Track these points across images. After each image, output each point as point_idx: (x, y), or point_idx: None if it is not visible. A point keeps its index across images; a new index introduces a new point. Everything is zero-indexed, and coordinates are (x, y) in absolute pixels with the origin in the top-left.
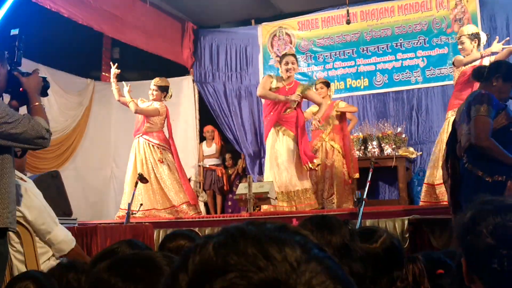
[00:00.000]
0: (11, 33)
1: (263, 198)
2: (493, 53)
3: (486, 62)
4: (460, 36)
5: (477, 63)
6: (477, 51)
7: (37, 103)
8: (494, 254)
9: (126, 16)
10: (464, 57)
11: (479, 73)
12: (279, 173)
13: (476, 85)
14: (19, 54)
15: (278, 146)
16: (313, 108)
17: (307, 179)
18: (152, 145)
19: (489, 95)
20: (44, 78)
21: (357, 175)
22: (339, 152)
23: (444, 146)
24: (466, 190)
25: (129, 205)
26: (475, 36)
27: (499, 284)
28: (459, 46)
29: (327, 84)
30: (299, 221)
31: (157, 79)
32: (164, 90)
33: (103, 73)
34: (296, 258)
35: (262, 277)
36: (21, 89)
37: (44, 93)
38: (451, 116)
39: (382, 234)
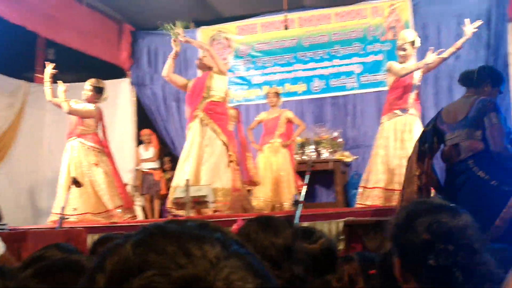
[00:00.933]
0: None
1: (201, 202)
2: (426, 64)
3: (418, 73)
4: (404, 43)
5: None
6: (415, 57)
7: None
8: (430, 249)
9: (61, 17)
10: (400, 63)
11: (467, 79)
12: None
13: (408, 92)
14: None
15: (199, 139)
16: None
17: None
18: (87, 148)
19: (496, 103)
20: None
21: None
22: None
23: (390, 150)
24: (470, 195)
25: (62, 209)
26: (414, 43)
27: (435, 280)
28: (401, 52)
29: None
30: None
31: (93, 79)
32: (99, 91)
33: (37, 75)
34: (216, 254)
35: (181, 274)
36: None
37: None
38: (385, 121)
39: (321, 235)
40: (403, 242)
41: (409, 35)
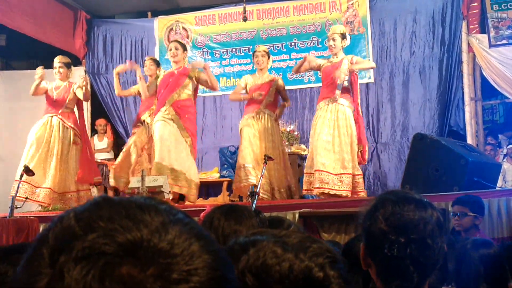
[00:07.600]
0: None
1: (156, 192)
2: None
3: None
4: (333, 33)
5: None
6: (343, 51)
7: None
8: (386, 239)
9: (14, 1)
10: (331, 55)
11: None
12: None
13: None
14: None
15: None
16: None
17: None
18: (67, 127)
19: None
20: None
21: None
22: None
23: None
24: None
25: (13, 198)
26: (344, 36)
27: (388, 268)
28: (331, 43)
29: (157, 63)
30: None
31: (59, 56)
32: (69, 66)
33: None
34: (162, 220)
35: (127, 237)
36: None
37: None
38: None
39: (290, 223)
40: (367, 228)
41: (339, 28)
